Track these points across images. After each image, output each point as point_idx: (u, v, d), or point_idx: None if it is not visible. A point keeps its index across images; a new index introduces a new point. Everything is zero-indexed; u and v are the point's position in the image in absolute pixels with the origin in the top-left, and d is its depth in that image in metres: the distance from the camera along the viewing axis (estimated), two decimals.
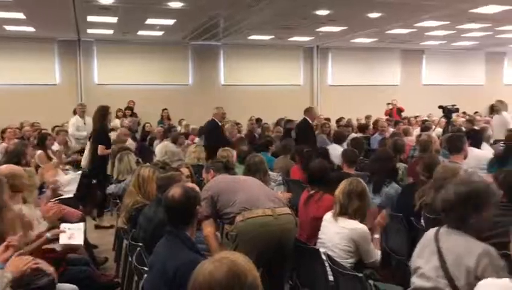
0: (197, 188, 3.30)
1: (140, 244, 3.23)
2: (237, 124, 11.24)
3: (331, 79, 15.90)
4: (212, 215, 3.39)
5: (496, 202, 2.58)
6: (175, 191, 2.62)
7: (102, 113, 6.92)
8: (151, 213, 3.44)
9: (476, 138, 5.64)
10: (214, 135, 7.98)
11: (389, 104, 14.04)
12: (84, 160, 7.29)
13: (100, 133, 6.90)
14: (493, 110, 10.98)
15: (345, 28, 11.70)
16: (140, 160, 6.78)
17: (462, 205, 2.31)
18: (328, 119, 12.52)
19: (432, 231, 2.46)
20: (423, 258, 2.40)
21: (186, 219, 2.60)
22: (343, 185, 3.28)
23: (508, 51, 17.57)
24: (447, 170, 3.64)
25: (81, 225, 3.44)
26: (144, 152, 8.36)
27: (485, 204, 2.36)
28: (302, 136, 8.07)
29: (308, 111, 8.63)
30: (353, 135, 9.67)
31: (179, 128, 11.43)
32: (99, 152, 6.71)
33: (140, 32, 12.13)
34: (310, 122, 8.46)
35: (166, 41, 13.43)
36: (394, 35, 13.08)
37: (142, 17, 10.17)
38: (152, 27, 11.37)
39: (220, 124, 8.16)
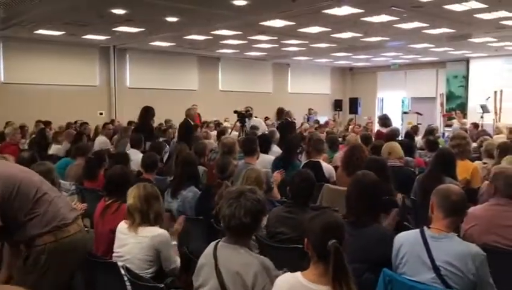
0: None
1: None
2: (22, 127, 9.99)
3: (130, 81, 15.44)
4: None
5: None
6: None
7: None
8: None
9: (267, 141, 6.07)
10: None
11: (196, 108, 14.28)
12: None
13: None
14: (280, 116, 12.17)
15: (143, 29, 11.47)
16: None
17: (252, 221, 2.28)
18: (130, 123, 12.14)
19: (211, 246, 2.39)
20: (202, 277, 2.34)
21: None
22: (135, 192, 3.07)
23: (291, 63, 19.70)
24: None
25: None
26: None
27: (264, 215, 2.45)
28: (184, 138, 8.05)
29: (189, 111, 9.04)
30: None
31: None
32: None
33: None
34: (191, 123, 8.76)
35: None
36: (191, 41, 13.37)
37: None
38: None
39: None
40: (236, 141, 5.29)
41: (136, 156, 5.89)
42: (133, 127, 9.04)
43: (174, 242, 3.18)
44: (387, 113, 20.55)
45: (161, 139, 9.21)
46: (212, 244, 2.39)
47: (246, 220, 2.24)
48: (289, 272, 2.15)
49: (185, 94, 15.92)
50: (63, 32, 11.99)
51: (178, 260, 3.09)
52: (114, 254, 3.07)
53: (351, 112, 19.41)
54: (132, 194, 3.05)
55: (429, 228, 2.57)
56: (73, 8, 9.07)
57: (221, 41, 13.50)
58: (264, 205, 2.38)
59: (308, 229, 2.11)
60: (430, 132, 9.37)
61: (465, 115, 15.31)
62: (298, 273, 2.06)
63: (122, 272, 2.77)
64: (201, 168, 5.47)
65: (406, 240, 2.60)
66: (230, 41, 13.50)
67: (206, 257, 2.38)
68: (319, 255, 2.02)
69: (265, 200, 2.50)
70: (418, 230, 2.60)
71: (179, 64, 16.37)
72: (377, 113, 20.73)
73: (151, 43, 13.93)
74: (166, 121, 12.60)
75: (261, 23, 10.56)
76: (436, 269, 2.40)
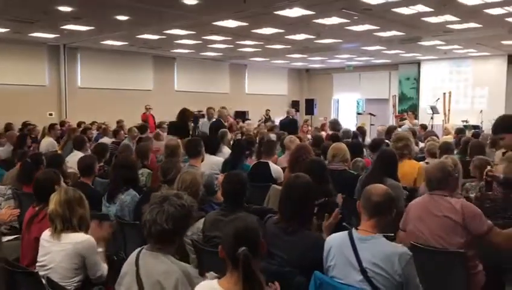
0: None
1: None
2: None
3: (81, 81, 14.98)
4: None
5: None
6: None
7: None
8: None
9: (214, 142, 5.98)
10: None
11: (149, 109, 14.03)
12: None
13: None
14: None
15: (92, 28, 11.14)
16: None
17: (175, 227, 2.19)
18: (80, 124, 11.80)
19: (134, 254, 2.30)
20: (123, 286, 2.24)
21: None
22: (56, 197, 2.92)
23: (248, 64, 19.69)
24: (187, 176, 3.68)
25: None
26: None
27: (190, 221, 2.36)
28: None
29: (221, 112, 9.25)
30: (106, 139, 9.29)
31: None
32: None
33: None
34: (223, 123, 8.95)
35: None
36: (145, 41, 13.12)
37: None
38: None
39: None
40: (180, 143, 5.17)
41: (75, 158, 5.64)
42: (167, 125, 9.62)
43: (100, 249, 3.03)
44: (341, 114, 21.15)
45: (112, 141, 8.97)
46: (135, 252, 2.30)
47: (167, 226, 2.15)
48: (208, 280, 2.09)
49: (139, 94, 15.64)
50: (8, 30, 11.49)
51: (105, 268, 2.95)
52: (37, 263, 2.90)
53: (307, 113, 19.59)
54: (53, 200, 2.89)
55: (357, 229, 2.57)
56: (16, 4, 8.70)
57: (175, 41, 13.32)
58: (190, 210, 2.29)
59: (222, 235, 2.05)
60: (389, 132, 9.46)
61: (416, 116, 15.73)
62: (215, 281, 2.00)
63: (44, 282, 2.62)
64: (145, 171, 5.33)
65: (335, 242, 2.58)
66: (184, 41, 13.33)
67: (128, 265, 2.28)
68: (232, 263, 1.97)
69: (193, 206, 2.42)
70: (346, 232, 2.59)
71: (133, 64, 16.05)
72: (333, 114, 21.04)
73: (103, 42, 13.58)
74: (118, 122, 12.27)
75: (214, 23, 10.47)
76: (363, 271, 2.39)
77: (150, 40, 12.95)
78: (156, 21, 10.23)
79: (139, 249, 2.29)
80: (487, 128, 13.48)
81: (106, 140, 8.98)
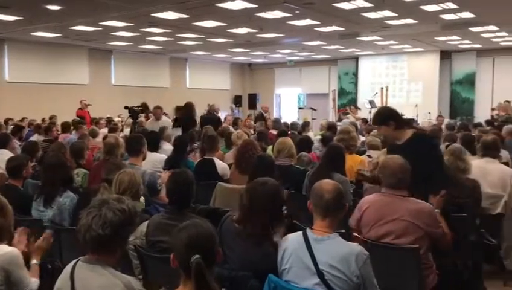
0: None
1: None
2: None
3: (9, 75, 14.01)
4: None
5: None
6: None
7: None
8: None
9: (154, 138, 5.70)
10: None
11: (88, 105, 13.32)
12: None
13: None
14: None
15: (21, 18, 10.39)
16: None
17: (113, 234, 1.96)
18: (7, 121, 11.04)
19: (69, 267, 2.06)
20: None
21: None
22: None
23: (189, 57, 19.30)
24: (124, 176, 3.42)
25: None
26: None
27: (132, 227, 2.16)
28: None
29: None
30: (37, 136, 8.69)
31: None
32: None
33: None
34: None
35: None
36: (79, 32, 12.45)
37: None
38: None
39: None
40: (118, 141, 4.86)
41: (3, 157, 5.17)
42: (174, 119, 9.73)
43: (35, 261, 2.73)
44: (283, 108, 21.28)
45: (42, 139, 8.40)
46: (71, 264, 2.05)
47: (103, 232, 1.91)
48: None
49: (74, 89, 14.91)
50: None
51: (35, 283, 2.65)
52: None
53: (250, 108, 19.55)
54: None
55: (312, 229, 2.45)
56: None
57: (112, 33, 12.75)
58: (132, 216, 2.07)
59: (173, 243, 1.87)
60: (330, 127, 9.55)
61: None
62: None
63: None
64: (81, 171, 4.98)
65: (290, 244, 2.45)
66: (122, 33, 12.79)
67: (62, 280, 2.03)
68: (185, 272, 1.80)
69: (137, 211, 2.20)
70: (301, 233, 2.46)
71: (66, 57, 15.27)
72: (275, 109, 21.13)
73: (33, 34, 12.76)
74: (51, 117, 11.59)
75: (153, 15, 10.09)
76: (320, 274, 2.28)
77: (84, 32, 12.31)
78: (90, 12, 9.70)
79: (75, 261, 2.05)
80: (422, 121, 14.04)
81: (37, 138, 8.41)
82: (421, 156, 3.46)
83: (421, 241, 2.95)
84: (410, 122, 4.47)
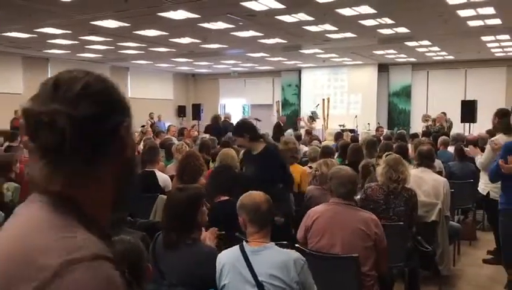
0: None
1: None
2: None
3: None
4: None
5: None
6: None
7: None
8: None
9: None
10: None
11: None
12: None
13: None
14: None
15: None
16: None
17: None
18: None
19: None
20: None
21: None
22: None
23: (131, 66, 18.89)
24: None
25: None
26: None
27: None
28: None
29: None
30: None
31: None
32: None
33: None
34: None
35: None
36: (13, 39, 11.87)
37: None
38: None
39: None
40: None
41: None
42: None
43: None
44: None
45: None
46: None
47: None
48: None
49: (7, 98, 14.12)
50: None
51: None
52: None
53: (194, 118, 19.35)
54: None
55: (247, 241, 2.43)
56: None
57: (48, 41, 12.24)
58: None
59: None
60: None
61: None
62: None
63: None
64: (12, 185, 4.68)
65: (227, 259, 2.41)
66: (59, 41, 12.31)
67: None
68: None
69: None
70: (237, 247, 2.43)
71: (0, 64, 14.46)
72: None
73: None
74: None
75: (93, 23, 9.79)
76: (259, 285, 2.26)
77: (18, 38, 11.74)
78: (25, 18, 9.26)
79: None
80: (361, 132, 14.47)
81: None
82: (271, 164, 4.20)
83: (369, 251, 3.02)
84: (263, 136, 5.24)
